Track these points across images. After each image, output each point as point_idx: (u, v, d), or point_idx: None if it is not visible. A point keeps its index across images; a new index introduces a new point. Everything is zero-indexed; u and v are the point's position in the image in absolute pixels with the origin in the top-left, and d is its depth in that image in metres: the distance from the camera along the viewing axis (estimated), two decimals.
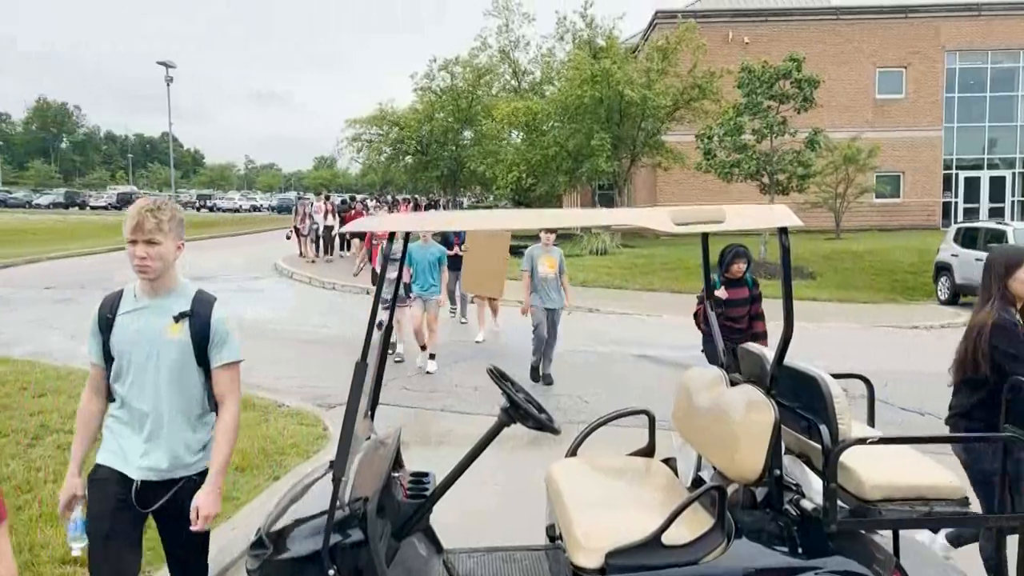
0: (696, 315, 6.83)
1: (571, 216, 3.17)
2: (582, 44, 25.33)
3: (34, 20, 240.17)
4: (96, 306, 3.06)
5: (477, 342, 11.10)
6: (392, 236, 2.90)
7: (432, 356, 9.32)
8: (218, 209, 76.02)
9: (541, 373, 8.77)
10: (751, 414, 2.85)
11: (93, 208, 71.47)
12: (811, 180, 18.95)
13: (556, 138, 25.40)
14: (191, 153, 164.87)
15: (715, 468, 3.14)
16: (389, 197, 33.94)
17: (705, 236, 3.75)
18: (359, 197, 32.04)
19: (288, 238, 23.78)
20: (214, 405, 2.94)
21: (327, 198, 22.83)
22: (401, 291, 9.11)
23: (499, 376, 3.00)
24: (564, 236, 28.79)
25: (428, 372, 9.11)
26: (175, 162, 47.67)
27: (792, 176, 18.30)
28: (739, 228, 2.74)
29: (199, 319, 2.93)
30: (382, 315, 7.94)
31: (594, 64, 23.36)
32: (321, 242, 22.98)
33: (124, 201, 73.46)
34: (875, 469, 2.83)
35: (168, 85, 37.47)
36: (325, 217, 22.61)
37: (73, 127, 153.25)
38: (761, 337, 6.59)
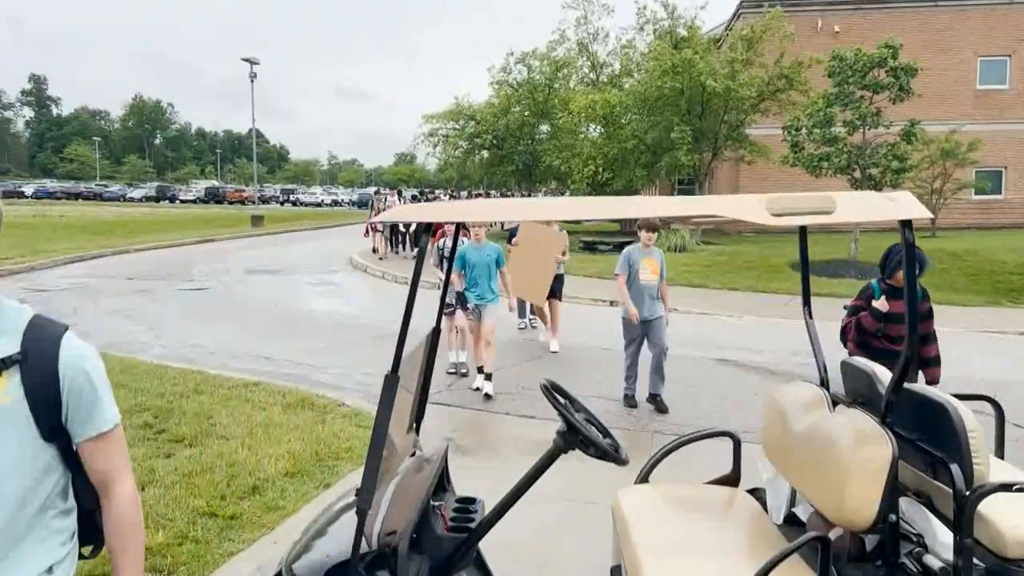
0: (845, 330, 5.39)
1: (655, 205, 2.65)
2: (663, 34, 24.55)
3: (132, 19, 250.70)
4: None
5: (553, 352, 10.05)
6: (429, 230, 2.47)
7: (489, 376, 7.85)
8: (301, 203, 77.67)
9: (651, 395, 7.49)
10: (863, 447, 2.34)
11: (183, 201, 74.00)
12: (907, 175, 17.80)
13: (634, 131, 24.71)
14: (276, 149, 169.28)
15: (814, 507, 2.64)
16: (464, 192, 33.76)
17: (803, 230, 3.22)
18: (437, 192, 31.92)
19: (366, 235, 23.56)
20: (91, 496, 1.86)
21: (400, 193, 22.57)
22: (451, 298, 8.10)
23: (554, 392, 2.56)
24: None
25: (487, 395, 7.70)
26: (261, 157, 48.94)
27: (886, 170, 17.22)
28: (850, 220, 2.23)
29: (39, 367, 1.72)
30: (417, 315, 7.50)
31: (675, 54, 22.59)
32: (394, 238, 22.72)
33: (212, 195, 75.93)
34: (1019, 519, 2.29)
35: (252, 81, 38.14)
36: None
37: (166, 124, 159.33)
38: (933, 364, 5.43)
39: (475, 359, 8.27)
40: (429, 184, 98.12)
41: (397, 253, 22.41)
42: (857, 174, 17.75)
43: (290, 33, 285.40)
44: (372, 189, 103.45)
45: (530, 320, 11.65)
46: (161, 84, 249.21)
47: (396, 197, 22.83)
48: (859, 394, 2.87)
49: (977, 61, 30.27)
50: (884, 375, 2.69)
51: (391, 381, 2.24)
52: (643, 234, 7.43)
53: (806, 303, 3.37)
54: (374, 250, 22.23)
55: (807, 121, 17.52)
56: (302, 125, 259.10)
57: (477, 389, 7.94)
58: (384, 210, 21.96)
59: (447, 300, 8.47)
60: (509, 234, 11.70)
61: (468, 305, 8.08)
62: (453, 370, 8.71)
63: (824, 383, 3.03)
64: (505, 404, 7.57)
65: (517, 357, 9.46)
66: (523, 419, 7.09)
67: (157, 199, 74.20)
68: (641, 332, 7.47)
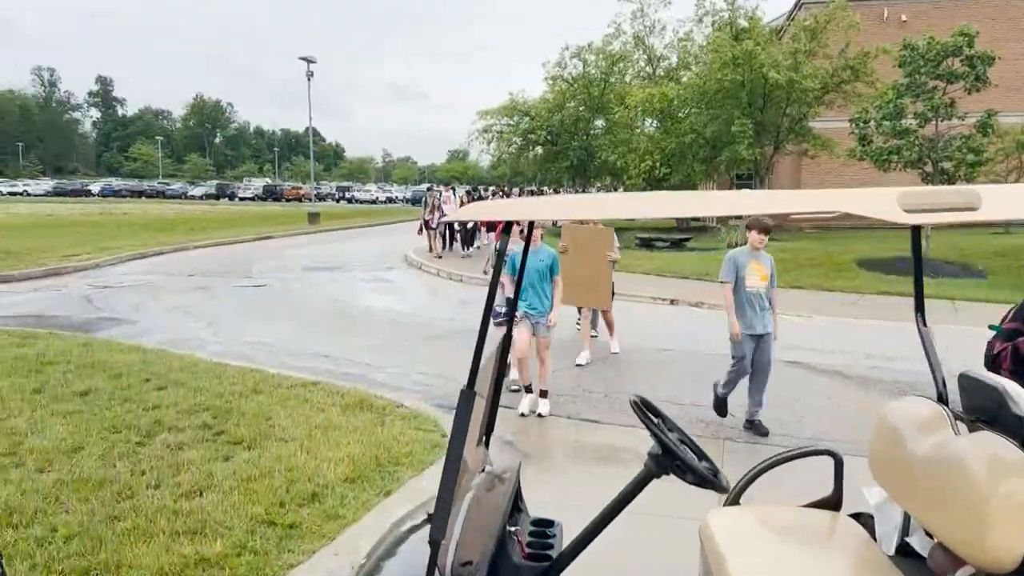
0: (996, 357, 3.48)
1: (761, 201, 2.22)
2: (723, 25, 23.97)
3: (192, 21, 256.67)
4: None
5: (614, 353, 9.62)
6: (508, 229, 2.23)
7: (544, 394, 7.08)
8: (356, 200, 78.51)
9: (749, 419, 6.79)
10: (1005, 478, 2.04)
11: (241, 199, 75.41)
12: (981, 168, 17.01)
13: (693, 125, 24.18)
14: (332, 147, 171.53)
15: (938, 540, 2.34)
16: (516, 189, 33.47)
17: (916, 230, 2.89)
18: (491, 189, 31.71)
19: (420, 232, 23.10)
20: None
21: (454, 190, 22.35)
22: (499, 305, 7.27)
23: (645, 409, 2.31)
24: (698, 228, 27.53)
25: (540, 415, 6.94)
26: (317, 156, 49.48)
27: (960, 164, 16.46)
28: (998, 218, 1.92)
29: None
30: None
31: (735, 46, 22.01)
32: (448, 236, 22.39)
33: (269, 192, 77.25)
34: None
35: (309, 80, 38.53)
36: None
37: (226, 123, 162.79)
38: None
39: (521, 378, 7.25)
40: (482, 181, 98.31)
41: (452, 250, 22.17)
42: (928, 168, 17.02)
43: (345, 33, 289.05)
44: (425, 186, 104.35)
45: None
46: (221, 84, 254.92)
47: (451, 194, 22.34)
48: (984, 412, 2.55)
49: None
50: (1018, 393, 2.36)
51: (467, 396, 2.01)
52: (753, 235, 6.50)
53: (919, 309, 3.02)
54: (429, 248, 21.98)
55: (876, 113, 16.84)
56: (357, 124, 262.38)
57: (524, 414, 6.96)
58: (438, 207, 21.32)
59: (496, 307, 7.29)
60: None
61: (516, 314, 6.69)
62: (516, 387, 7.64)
63: (943, 399, 2.71)
64: (565, 407, 7.32)
65: (574, 357, 9.19)
66: (584, 424, 6.82)
67: (216, 196, 75.81)
68: (753, 349, 6.58)
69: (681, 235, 22.66)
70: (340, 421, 6.11)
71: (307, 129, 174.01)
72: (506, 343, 2.83)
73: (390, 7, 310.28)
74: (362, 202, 77.09)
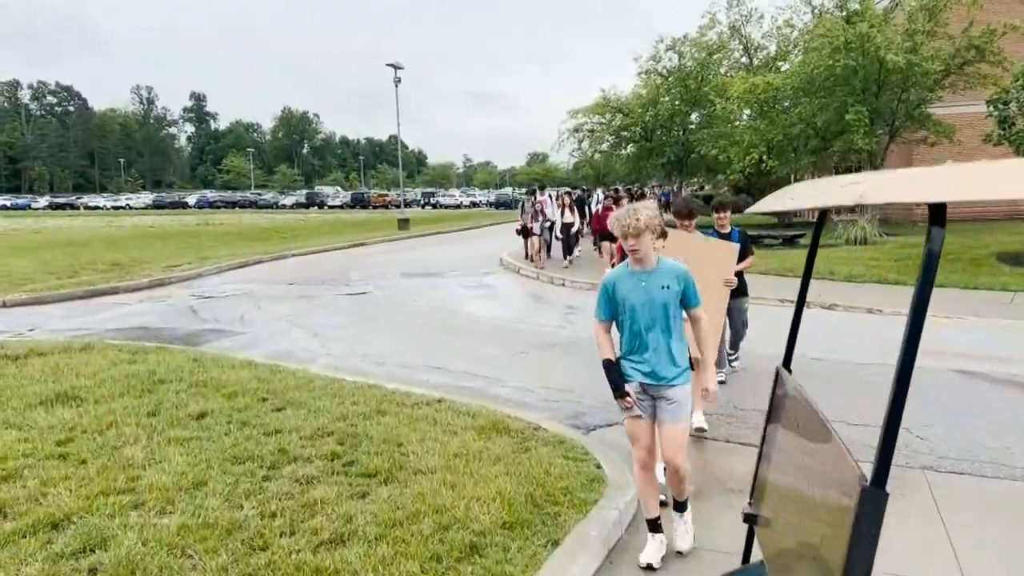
0: None
1: None
2: (833, 8, 22.50)
3: (277, 33, 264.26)
4: None
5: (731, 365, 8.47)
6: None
7: (682, 506, 4.28)
8: (440, 206, 78.91)
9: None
10: None
11: (330, 207, 76.69)
12: None
13: (800, 114, 22.79)
14: (414, 154, 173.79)
15: None
16: (641, 189, 31.99)
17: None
18: (599, 191, 30.83)
19: (519, 233, 21.24)
20: None
21: (550, 195, 21.10)
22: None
23: None
24: (805, 223, 26.06)
25: (679, 552, 4.22)
26: (401, 163, 49.51)
27: None
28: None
29: None
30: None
31: (848, 29, 20.56)
32: (555, 243, 20.03)
33: (357, 200, 78.38)
34: None
35: (396, 86, 38.52)
36: (563, 213, 19.24)
37: (312, 133, 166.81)
38: None
39: (641, 491, 4.22)
40: (563, 183, 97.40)
41: (567, 265, 18.78)
42: None
43: (423, 40, 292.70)
44: (509, 189, 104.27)
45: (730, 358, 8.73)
46: (307, 95, 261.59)
47: (547, 199, 20.50)
48: None
49: None
50: None
51: (876, 498, 1.24)
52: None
53: None
54: (526, 255, 20.36)
55: (1018, 93, 15.27)
56: (437, 130, 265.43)
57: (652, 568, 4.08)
58: (542, 211, 19.25)
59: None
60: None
61: (628, 388, 4.06)
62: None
63: None
64: (720, 429, 6.46)
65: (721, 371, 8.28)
66: (746, 448, 5.95)
67: (307, 205, 77.31)
68: None
69: (787, 231, 21.36)
70: (478, 447, 5.42)
71: (391, 137, 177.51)
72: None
73: (467, 13, 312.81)
74: (447, 207, 77.41)
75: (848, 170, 32.68)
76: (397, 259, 23.10)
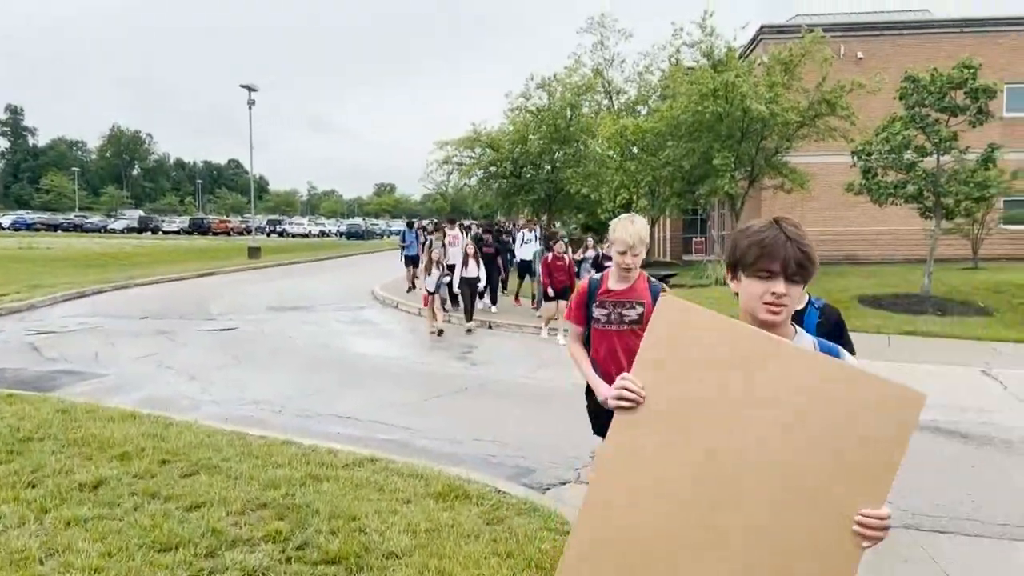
0: None
1: None
2: (700, 56, 23.44)
3: (108, 50, 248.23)
4: None
5: None
6: None
7: None
8: (288, 234, 76.01)
9: None
10: None
11: (165, 233, 72.06)
12: (986, 203, 16.67)
13: (668, 157, 23.48)
14: (256, 179, 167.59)
15: None
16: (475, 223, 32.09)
17: None
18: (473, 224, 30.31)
19: (409, 290, 20.17)
20: None
21: (461, 225, 19.39)
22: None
23: None
24: (686, 264, 26.85)
25: None
26: (242, 188, 47.30)
27: (963, 199, 16.03)
28: None
29: None
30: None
31: (716, 77, 21.43)
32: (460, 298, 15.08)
33: (196, 226, 74.25)
34: None
35: (250, 108, 36.80)
36: (465, 264, 14.22)
37: (145, 154, 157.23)
38: None
39: None
40: (415, 214, 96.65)
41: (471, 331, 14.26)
42: (929, 202, 16.57)
43: (265, 64, 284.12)
44: (359, 219, 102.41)
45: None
46: (140, 114, 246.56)
47: (457, 229, 17.76)
48: None
49: (1005, 88, 29.54)
50: None
51: None
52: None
53: None
54: (422, 312, 15.18)
55: (881, 146, 16.28)
56: (279, 156, 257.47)
57: None
58: (438, 261, 13.96)
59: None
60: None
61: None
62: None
63: None
64: None
65: None
66: None
67: (140, 230, 72.13)
68: None
69: (664, 271, 21.84)
70: (445, 519, 4.71)
71: (230, 161, 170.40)
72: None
73: (310, 37, 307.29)
74: (295, 236, 74.66)
75: (693, 212, 34.37)
76: (257, 291, 21.68)
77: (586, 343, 4.21)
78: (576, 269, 14.06)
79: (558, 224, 33.44)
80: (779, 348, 1.92)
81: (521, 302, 17.49)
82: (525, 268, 17.73)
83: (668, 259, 36.14)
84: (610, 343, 4.10)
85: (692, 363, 1.95)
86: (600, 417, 4.09)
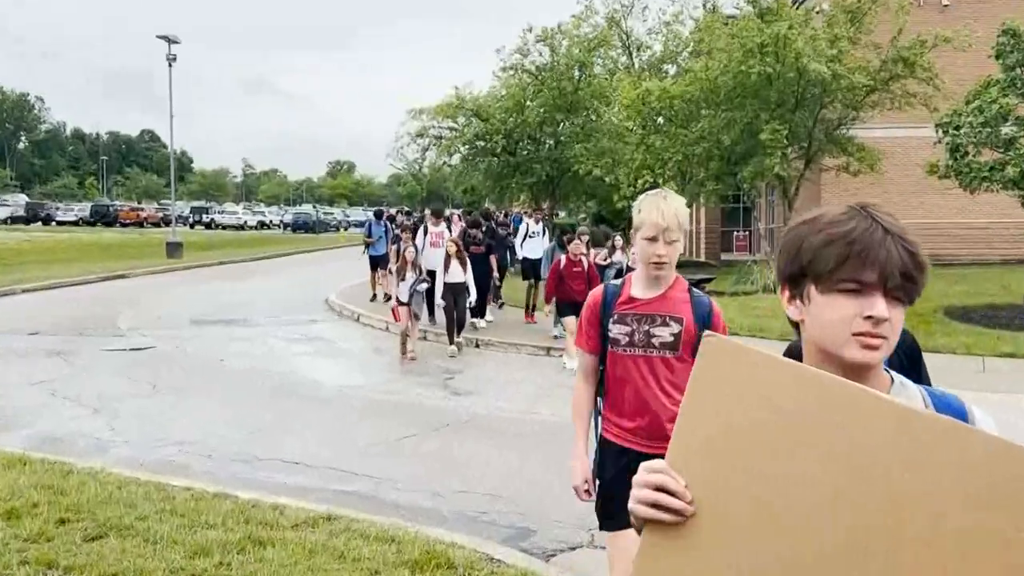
0: None
1: None
2: (743, 2, 23.62)
3: None
4: None
5: None
6: None
7: None
8: (217, 226, 75.93)
9: None
10: None
11: (60, 223, 71.89)
12: None
13: (703, 131, 23.61)
14: (177, 156, 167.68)
15: None
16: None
17: None
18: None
19: (373, 299, 20.14)
20: None
21: (448, 219, 18.76)
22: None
23: None
24: (725, 263, 26.96)
25: None
26: (158, 167, 47.13)
27: None
28: None
29: None
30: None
31: (764, 29, 21.55)
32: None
33: (100, 215, 74.17)
34: None
35: (171, 66, 36.81)
36: (447, 267, 13.93)
37: (33, 123, 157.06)
38: None
39: None
40: (380, 201, 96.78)
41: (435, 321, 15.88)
42: None
43: (191, 9, 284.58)
44: (308, 207, 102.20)
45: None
46: (25, 74, 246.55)
47: (443, 226, 17.34)
48: None
49: None
50: None
51: None
52: None
53: None
54: (390, 323, 17.13)
55: (973, 116, 16.37)
56: (208, 126, 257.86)
57: None
58: (414, 262, 14.12)
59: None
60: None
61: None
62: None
63: None
64: None
65: None
66: None
67: (27, 220, 71.96)
68: None
69: (700, 274, 21.91)
70: None
71: (144, 132, 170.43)
72: None
73: None
74: (227, 227, 74.65)
75: (733, 199, 34.49)
76: (179, 298, 21.82)
77: (602, 380, 3.81)
78: (599, 277, 13.63)
79: (580, 216, 33.45)
80: (892, 411, 1.47)
81: (536, 318, 16.75)
82: (532, 270, 17.33)
83: (702, 258, 36.29)
84: (635, 375, 3.64)
85: (762, 445, 1.51)
86: (611, 505, 3.56)
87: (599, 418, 3.93)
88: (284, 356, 14.00)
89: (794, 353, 1.87)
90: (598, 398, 3.91)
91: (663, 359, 3.60)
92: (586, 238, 14.04)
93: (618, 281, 3.84)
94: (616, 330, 3.65)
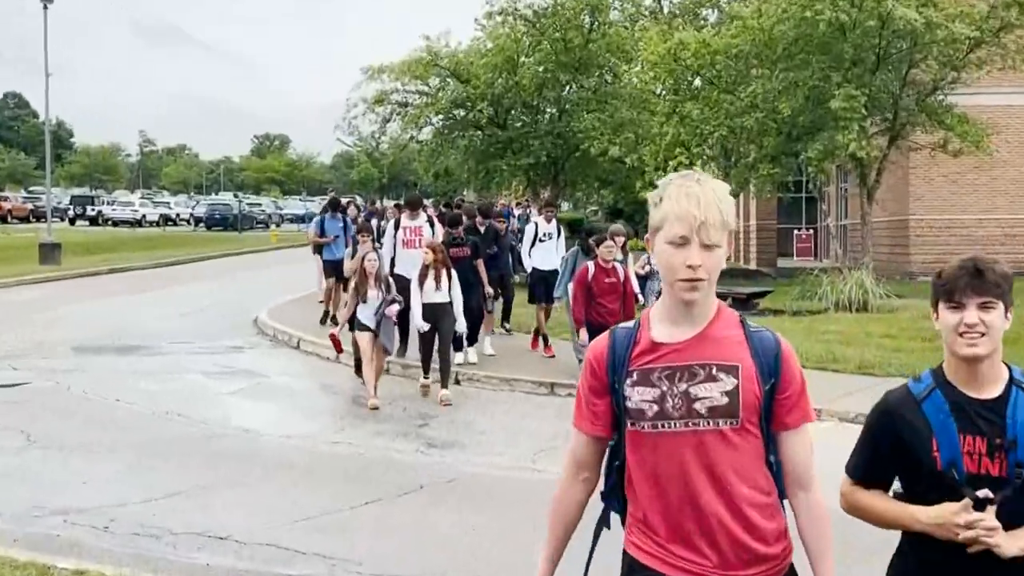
0: None
1: None
2: None
3: None
4: None
5: None
6: None
7: None
8: (107, 221, 75.93)
9: None
10: None
11: None
12: None
13: (754, 97, 23.76)
14: (54, 127, 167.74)
15: None
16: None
17: None
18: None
19: (325, 320, 19.86)
20: None
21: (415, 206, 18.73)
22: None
23: None
24: (783, 274, 27.10)
25: None
26: (27, 142, 46.90)
27: None
28: None
29: None
30: None
31: None
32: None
33: None
34: None
35: (45, 9, 36.88)
36: (421, 283, 13.69)
37: None
38: None
39: None
40: (320, 189, 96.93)
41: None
42: None
43: None
44: (229, 195, 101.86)
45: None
46: None
47: (422, 219, 17.16)
48: None
49: None
50: None
51: None
52: None
53: None
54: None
55: None
56: (93, 88, 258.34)
57: None
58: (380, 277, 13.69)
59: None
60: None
61: None
62: None
63: None
64: None
65: None
66: None
67: None
68: None
69: (752, 287, 22.00)
70: None
71: (8, 95, 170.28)
72: None
73: None
74: (120, 223, 74.64)
75: (793, 186, 34.64)
76: (59, 318, 22.13)
77: (611, 470, 3.23)
78: (639, 292, 13.27)
79: (590, 208, 33.36)
80: None
81: (548, 347, 16.38)
82: (545, 286, 16.85)
83: (753, 265, 36.40)
84: (675, 465, 3.00)
85: None
86: None
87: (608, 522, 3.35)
88: (202, 395, 14.15)
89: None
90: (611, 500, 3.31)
91: (718, 432, 2.95)
92: (621, 239, 13.67)
93: (631, 324, 3.18)
94: (637, 396, 2.98)
